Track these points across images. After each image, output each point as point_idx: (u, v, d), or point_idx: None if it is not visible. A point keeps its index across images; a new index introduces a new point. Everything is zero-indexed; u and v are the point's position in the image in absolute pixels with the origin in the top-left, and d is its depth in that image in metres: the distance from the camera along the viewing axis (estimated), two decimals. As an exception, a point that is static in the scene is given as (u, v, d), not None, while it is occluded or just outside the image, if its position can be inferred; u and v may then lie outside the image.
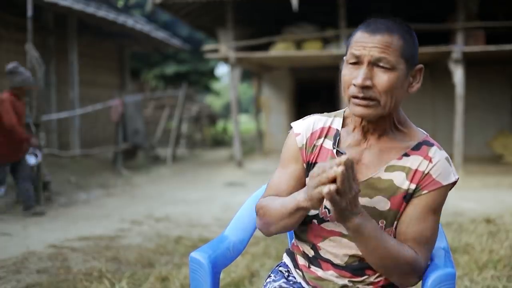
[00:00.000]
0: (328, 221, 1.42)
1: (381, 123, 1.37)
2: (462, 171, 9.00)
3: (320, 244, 1.45)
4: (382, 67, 1.29)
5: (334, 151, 1.41)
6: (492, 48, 8.94)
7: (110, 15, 10.18)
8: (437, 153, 1.37)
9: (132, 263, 3.69)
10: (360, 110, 1.32)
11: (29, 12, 6.34)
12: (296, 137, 1.47)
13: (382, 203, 1.36)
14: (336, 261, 1.43)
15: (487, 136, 11.63)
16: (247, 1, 9.78)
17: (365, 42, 1.30)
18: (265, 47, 10.17)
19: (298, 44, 9.97)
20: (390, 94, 1.30)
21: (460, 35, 9.00)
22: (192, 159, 12.73)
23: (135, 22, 11.65)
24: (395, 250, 1.30)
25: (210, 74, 21.60)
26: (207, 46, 10.88)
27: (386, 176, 1.36)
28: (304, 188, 1.26)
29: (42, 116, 6.46)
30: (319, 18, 10.72)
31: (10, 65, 5.50)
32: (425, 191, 1.35)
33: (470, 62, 9.79)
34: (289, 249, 1.64)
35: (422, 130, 1.44)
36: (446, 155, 1.38)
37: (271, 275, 1.62)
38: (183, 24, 18.48)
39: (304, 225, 1.47)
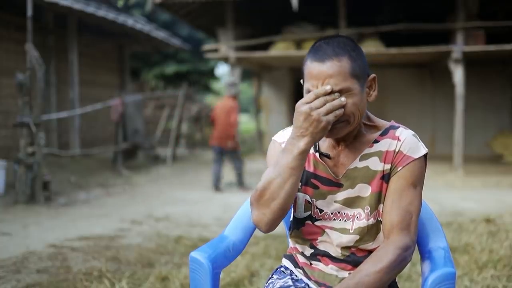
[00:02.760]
0: (320, 219, 1.51)
1: (350, 132, 1.47)
2: (462, 171, 9.00)
3: (318, 240, 1.53)
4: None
5: (317, 154, 1.52)
6: (492, 48, 8.94)
7: (110, 15, 10.18)
8: (403, 132, 1.47)
9: (132, 263, 3.69)
10: (330, 135, 1.43)
11: (29, 12, 6.35)
12: (281, 144, 1.56)
13: (364, 189, 1.46)
14: (333, 253, 1.50)
15: (487, 136, 11.63)
16: (247, 1, 9.78)
17: (318, 75, 1.38)
18: (265, 47, 10.17)
19: (298, 44, 9.97)
20: (353, 112, 1.39)
21: (460, 35, 9.00)
22: (192, 159, 12.73)
23: (135, 22, 11.64)
24: (377, 269, 1.36)
25: (210, 74, 21.59)
26: (207, 46, 10.88)
27: (361, 164, 1.47)
28: (290, 140, 1.37)
29: (42, 116, 6.46)
30: (319, 18, 10.72)
31: (231, 79, 8.11)
32: (400, 168, 1.43)
33: (470, 62, 9.79)
34: (287, 254, 1.67)
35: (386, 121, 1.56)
36: (412, 132, 1.48)
37: (273, 276, 1.63)
38: (183, 24, 18.48)
39: (298, 228, 1.55)
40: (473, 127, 11.46)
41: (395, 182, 1.43)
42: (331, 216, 1.50)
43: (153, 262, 3.70)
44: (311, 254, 1.54)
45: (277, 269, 1.67)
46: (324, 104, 1.32)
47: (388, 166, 1.44)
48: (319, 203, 1.50)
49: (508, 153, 10.43)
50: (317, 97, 1.33)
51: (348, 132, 1.44)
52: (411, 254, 1.41)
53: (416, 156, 1.44)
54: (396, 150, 1.44)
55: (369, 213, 1.46)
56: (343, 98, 1.34)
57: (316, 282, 1.53)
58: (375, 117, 1.55)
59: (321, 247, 1.52)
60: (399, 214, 1.41)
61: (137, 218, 5.53)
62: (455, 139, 9.26)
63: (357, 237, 1.48)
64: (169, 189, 7.87)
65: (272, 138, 1.60)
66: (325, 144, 1.53)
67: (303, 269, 1.57)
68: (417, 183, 1.44)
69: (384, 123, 1.53)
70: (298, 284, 1.55)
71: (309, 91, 1.40)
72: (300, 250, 1.58)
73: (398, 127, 1.50)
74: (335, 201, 1.49)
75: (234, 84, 7.78)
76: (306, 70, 1.42)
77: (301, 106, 1.33)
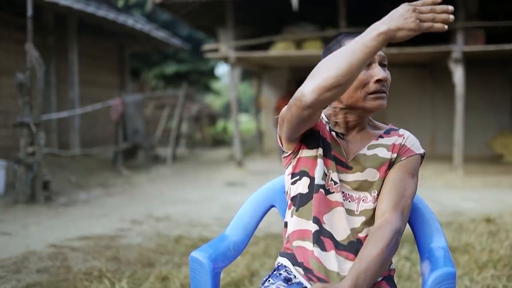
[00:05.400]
0: (333, 192, 1.54)
1: (364, 119, 1.59)
2: (462, 171, 9.00)
3: (325, 217, 1.53)
4: (384, 64, 1.53)
5: (333, 133, 1.58)
6: (492, 47, 8.94)
7: (110, 15, 10.18)
8: (406, 132, 1.61)
9: (132, 262, 3.69)
10: (382, 102, 1.51)
11: (29, 11, 6.35)
12: None
13: (372, 174, 1.54)
14: (338, 236, 1.51)
15: (487, 136, 11.63)
16: (247, 0, 9.78)
17: None
18: (265, 46, 10.17)
19: (298, 44, 9.97)
20: (388, 86, 1.54)
21: (460, 35, 9.00)
22: (192, 159, 12.73)
23: (135, 22, 11.65)
24: (379, 251, 1.39)
25: (210, 74, 21.60)
26: (207, 46, 10.87)
27: (370, 152, 1.57)
28: (377, 24, 1.27)
29: (42, 116, 6.46)
30: (319, 18, 10.71)
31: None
32: (403, 158, 1.55)
33: (470, 62, 9.79)
34: (282, 252, 1.63)
35: None
36: (411, 133, 1.62)
37: (270, 279, 1.58)
38: (183, 24, 18.48)
39: (309, 200, 1.55)
40: (473, 127, 11.46)
41: (397, 169, 1.54)
42: (340, 190, 1.54)
43: (153, 262, 3.70)
44: (315, 231, 1.51)
45: (274, 270, 1.62)
46: (429, 12, 1.26)
47: (394, 155, 1.56)
48: (334, 176, 1.55)
49: (508, 153, 10.43)
50: (424, 4, 1.27)
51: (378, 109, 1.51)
52: (401, 235, 1.48)
53: (417, 152, 1.57)
54: (402, 144, 1.57)
55: (375, 196, 1.53)
56: (452, 16, 1.26)
57: (317, 278, 1.48)
58: (375, 121, 1.69)
59: (328, 227, 1.51)
60: (397, 196, 1.50)
61: (137, 218, 5.53)
62: (455, 139, 9.26)
63: (363, 218, 1.52)
64: (169, 189, 7.88)
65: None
66: (335, 130, 1.61)
67: (302, 265, 1.52)
68: (415, 174, 1.56)
69: (385, 125, 1.66)
70: (293, 286, 1.51)
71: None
72: (304, 229, 1.53)
73: (399, 128, 1.63)
74: (342, 181, 1.54)
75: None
76: None
77: (405, 4, 1.27)
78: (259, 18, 11.48)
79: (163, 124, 13.55)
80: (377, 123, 1.66)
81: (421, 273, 1.56)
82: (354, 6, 9.79)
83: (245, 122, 30.58)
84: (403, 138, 1.58)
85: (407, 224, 1.72)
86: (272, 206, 1.83)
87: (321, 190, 1.53)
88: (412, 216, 1.70)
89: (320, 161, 1.53)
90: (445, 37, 9.72)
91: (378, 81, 1.48)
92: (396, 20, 1.25)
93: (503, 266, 3.28)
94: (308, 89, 1.32)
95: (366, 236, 1.51)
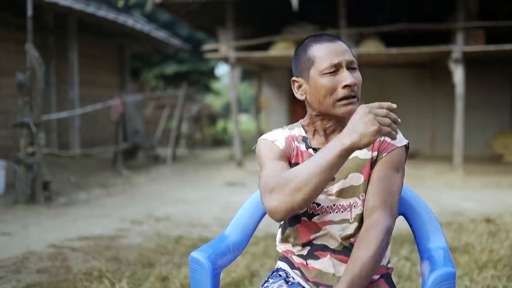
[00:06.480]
0: (318, 214, 1.52)
1: (343, 123, 1.51)
2: (462, 171, 9.00)
3: (314, 237, 1.54)
4: (353, 68, 1.48)
5: (310, 150, 1.54)
6: (492, 48, 8.94)
7: (110, 15, 10.18)
8: None
9: (132, 263, 3.69)
10: (351, 107, 1.46)
11: (29, 12, 6.35)
12: (274, 142, 1.54)
13: (356, 178, 1.52)
14: (332, 244, 1.52)
15: (487, 136, 11.63)
16: (247, 1, 9.78)
17: (335, 50, 1.47)
18: (265, 46, 10.17)
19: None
20: (359, 88, 1.49)
21: (460, 35, 9.00)
22: (192, 159, 12.73)
23: (135, 22, 11.65)
24: (372, 253, 1.38)
25: (210, 74, 21.59)
26: (207, 46, 10.87)
27: (350, 156, 1.48)
28: (341, 135, 1.29)
29: (42, 116, 6.46)
30: (319, 18, 10.71)
31: None
32: (385, 154, 1.51)
33: (470, 62, 9.79)
34: (281, 256, 1.66)
35: None
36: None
37: (269, 279, 1.61)
38: (183, 24, 18.48)
39: (293, 225, 1.56)
40: (473, 127, 11.46)
41: (380, 166, 1.50)
42: (328, 209, 1.52)
43: (153, 262, 3.70)
44: (308, 251, 1.55)
45: (273, 272, 1.65)
46: (385, 116, 1.27)
47: (375, 153, 1.51)
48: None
49: (508, 153, 10.43)
50: (381, 107, 1.29)
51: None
52: (391, 232, 1.46)
53: (399, 145, 1.52)
54: (381, 140, 1.52)
55: (364, 199, 1.51)
56: (399, 121, 1.30)
57: (314, 283, 1.53)
58: None
59: (318, 241, 1.54)
60: (383, 194, 1.47)
61: (137, 218, 5.53)
62: (455, 139, 9.26)
63: (357, 224, 1.51)
64: (169, 189, 7.87)
65: (260, 138, 1.58)
66: (314, 141, 1.57)
67: (300, 269, 1.56)
68: (399, 168, 1.51)
69: None
70: (293, 286, 1.54)
71: (330, 66, 1.45)
72: (295, 252, 1.58)
73: None
74: (329, 194, 1.52)
75: None
76: (318, 53, 1.48)
77: (362, 108, 1.29)
78: (259, 18, 11.48)
79: (163, 124, 13.55)
80: None
81: (421, 273, 1.56)
82: (354, 6, 9.79)
83: (245, 122, 30.58)
84: None
85: (408, 224, 1.73)
86: (272, 206, 1.83)
87: (303, 218, 1.54)
88: (412, 216, 1.70)
89: None
90: (445, 37, 9.73)
91: (346, 86, 1.44)
92: (358, 130, 1.26)
93: (503, 266, 3.27)
94: (276, 209, 1.35)
95: None
